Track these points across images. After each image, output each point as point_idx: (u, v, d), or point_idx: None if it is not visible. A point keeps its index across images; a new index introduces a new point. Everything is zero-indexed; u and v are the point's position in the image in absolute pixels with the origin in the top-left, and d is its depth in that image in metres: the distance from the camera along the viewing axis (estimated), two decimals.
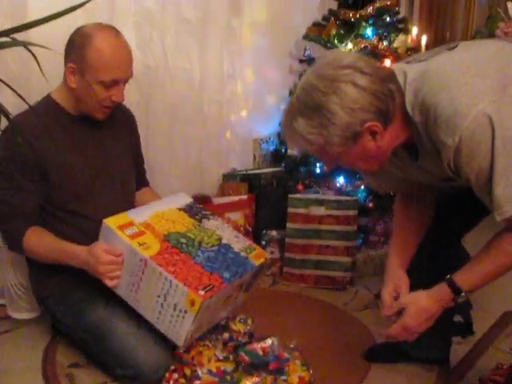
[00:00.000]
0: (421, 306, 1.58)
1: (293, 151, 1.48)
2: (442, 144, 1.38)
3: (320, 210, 2.71)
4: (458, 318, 2.37)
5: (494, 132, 1.32)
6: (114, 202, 2.03)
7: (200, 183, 2.90)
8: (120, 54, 1.87)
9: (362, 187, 2.91)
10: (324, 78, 1.36)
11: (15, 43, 1.40)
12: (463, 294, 1.53)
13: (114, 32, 1.85)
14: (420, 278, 1.67)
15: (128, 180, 2.14)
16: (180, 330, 1.70)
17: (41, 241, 1.91)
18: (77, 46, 1.85)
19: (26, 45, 1.34)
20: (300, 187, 2.89)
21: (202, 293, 1.66)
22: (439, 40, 5.39)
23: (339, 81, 1.35)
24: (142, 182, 2.30)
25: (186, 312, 1.68)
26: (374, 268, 2.98)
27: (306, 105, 1.38)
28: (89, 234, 1.91)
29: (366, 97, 1.35)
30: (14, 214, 1.91)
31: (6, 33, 1.34)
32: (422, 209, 1.78)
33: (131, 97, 2.50)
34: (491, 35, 5.28)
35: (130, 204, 2.11)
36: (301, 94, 1.40)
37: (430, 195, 1.80)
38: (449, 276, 1.54)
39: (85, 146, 1.99)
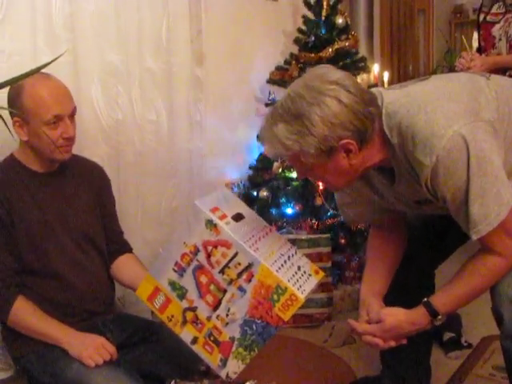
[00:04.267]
0: (397, 320, 1.60)
1: (268, 154, 1.50)
2: (420, 164, 1.43)
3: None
4: (449, 335, 2.41)
5: (469, 152, 1.38)
6: (81, 261, 2.03)
7: (173, 230, 2.89)
8: (53, 90, 1.89)
9: (334, 224, 2.94)
10: (311, 89, 1.41)
11: None
12: (440, 316, 1.56)
13: (43, 74, 1.85)
14: (394, 305, 1.68)
15: (92, 234, 2.10)
16: None
17: (29, 317, 1.90)
18: (13, 100, 1.88)
19: None
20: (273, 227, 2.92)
21: None
22: (402, 75, 5.53)
23: (325, 94, 1.39)
24: (120, 245, 2.24)
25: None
26: (351, 303, 3.00)
27: (288, 111, 1.42)
28: (60, 291, 1.94)
29: (347, 114, 1.39)
30: (3, 274, 1.88)
31: None
32: (395, 238, 1.82)
33: (101, 150, 2.55)
34: (451, 68, 5.45)
35: (101, 264, 2.12)
36: (286, 101, 1.44)
37: (403, 225, 1.84)
38: (426, 299, 1.58)
39: (46, 202, 1.98)
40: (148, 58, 2.74)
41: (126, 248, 2.26)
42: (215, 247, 1.66)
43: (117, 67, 2.58)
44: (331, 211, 2.91)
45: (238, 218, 1.74)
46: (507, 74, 2.78)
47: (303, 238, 2.79)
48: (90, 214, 2.11)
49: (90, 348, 1.85)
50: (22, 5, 2.24)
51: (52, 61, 1.44)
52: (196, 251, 1.69)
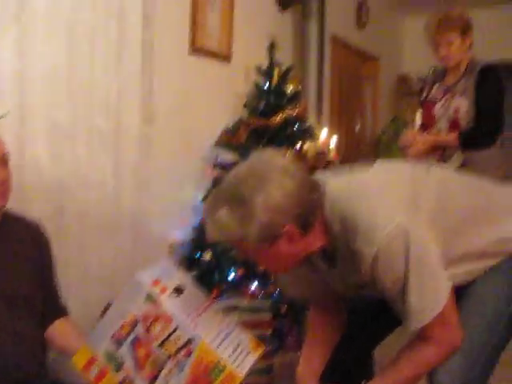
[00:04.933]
0: None
1: (210, 238, 1.48)
2: (360, 253, 1.43)
3: (233, 317, 2.71)
4: None
5: (409, 245, 1.40)
6: (10, 324, 1.95)
7: (114, 291, 2.83)
8: None
9: (276, 291, 2.93)
10: (255, 174, 1.40)
11: None
12: None
13: None
14: None
15: (27, 296, 2.02)
16: None
17: None
18: None
19: None
20: (214, 293, 2.89)
21: None
22: (349, 141, 5.66)
23: (269, 181, 1.38)
24: (55, 309, 2.16)
25: None
26: (290, 371, 2.96)
27: (231, 196, 1.41)
28: None
29: (290, 202, 1.38)
30: None
31: None
32: (334, 319, 1.82)
33: (43, 208, 2.49)
34: (396, 134, 5.60)
35: (35, 328, 2.04)
36: (229, 186, 1.44)
37: (343, 306, 1.83)
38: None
39: None
40: (97, 117, 2.72)
41: (62, 312, 2.19)
42: (155, 320, 1.64)
43: (64, 125, 2.55)
44: (273, 278, 2.90)
45: (179, 291, 1.72)
46: (446, 152, 2.88)
47: (244, 304, 2.76)
48: (26, 276, 2.04)
49: None
50: None
51: None
52: (135, 323, 1.66)
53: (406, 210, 1.44)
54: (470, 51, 2.95)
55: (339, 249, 1.52)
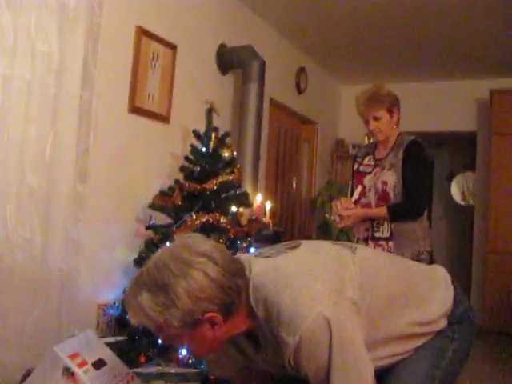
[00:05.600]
0: None
1: (131, 322, 1.44)
2: (283, 341, 1.43)
3: None
4: None
5: (331, 334, 1.40)
6: None
7: (37, 355, 2.72)
8: None
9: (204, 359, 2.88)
10: (178, 259, 1.39)
11: None
12: None
13: None
14: None
15: None
16: None
17: None
18: None
19: None
20: (142, 359, 2.82)
21: None
22: (284, 203, 5.72)
23: (192, 267, 1.38)
24: None
25: None
26: None
27: (154, 281, 1.39)
28: None
29: (213, 288, 1.38)
30: None
31: None
32: None
33: None
34: (331, 197, 5.71)
35: None
36: (151, 270, 1.41)
37: (268, 381, 1.82)
38: None
39: None
40: (28, 174, 2.67)
41: None
42: None
43: None
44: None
45: (99, 364, 1.68)
46: (375, 222, 2.95)
47: (172, 371, 2.70)
48: None
49: None
50: None
51: None
52: None
53: (330, 296, 1.45)
54: (397, 126, 3.06)
55: (263, 333, 1.51)
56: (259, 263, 1.55)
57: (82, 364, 1.62)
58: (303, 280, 1.47)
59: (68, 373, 1.58)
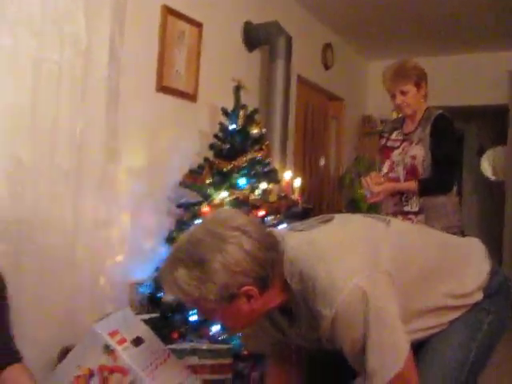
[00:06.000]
0: None
1: (167, 298, 1.46)
2: (319, 314, 1.43)
3: (194, 360, 2.67)
4: None
5: (367, 305, 1.40)
6: None
7: (72, 333, 2.77)
8: None
9: (237, 335, 2.90)
10: (212, 235, 1.40)
11: None
12: None
13: None
14: None
15: None
16: None
17: None
18: None
19: None
20: (175, 335, 2.85)
21: None
22: (313, 181, 5.70)
23: (227, 241, 1.38)
24: (9, 355, 2.12)
25: None
26: None
27: (189, 257, 1.40)
28: None
29: (249, 262, 1.38)
30: None
31: None
32: (293, 370, 1.81)
33: (0, 247, 2.44)
34: (359, 174, 5.68)
35: None
36: (187, 245, 1.43)
37: (302, 358, 1.83)
38: None
39: None
40: (60, 156, 2.70)
41: (15, 358, 2.13)
42: (111, 373, 1.61)
43: (26, 163, 2.53)
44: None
45: (137, 342, 1.70)
46: (404, 197, 2.93)
47: (204, 347, 2.73)
48: None
49: None
50: None
51: None
52: (91, 375, 1.63)
53: (365, 268, 1.45)
54: (425, 100, 3.03)
55: (298, 307, 1.52)
56: (293, 237, 1.55)
57: (122, 341, 1.65)
58: (338, 253, 1.47)
59: (108, 350, 1.61)
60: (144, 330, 1.80)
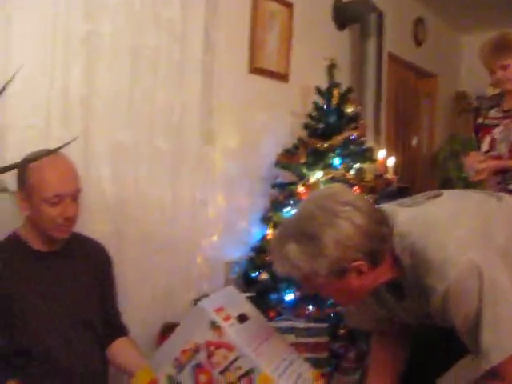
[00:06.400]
0: None
1: (277, 273, 1.47)
2: (431, 289, 1.41)
3: (291, 339, 2.70)
4: None
5: (482, 281, 1.37)
6: (77, 345, 1.99)
7: (172, 310, 2.86)
8: (58, 169, 1.90)
9: (333, 313, 2.91)
10: (324, 209, 1.40)
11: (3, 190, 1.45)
12: None
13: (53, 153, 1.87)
14: None
15: (91, 318, 2.06)
16: None
17: None
18: (20, 174, 1.90)
19: (9, 192, 1.38)
20: (272, 314, 2.89)
21: None
22: (406, 160, 5.59)
23: (338, 216, 1.38)
24: (116, 328, 2.20)
25: None
26: None
27: (301, 231, 1.40)
28: (54, 375, 1.90)
29: (360, 236, 1.38)
30: None
31: None
32: (398, 349, 1.80)
33: (104, 228, 2.53)
34: (452, 153, 5.52)
35: (97, 349, 2.08)
36: (297, 220, 1.43)
37: (407, 335, 1.81)
38: None
39: (47, 283, 1.95)
40: (158, 137, 2.76)
41: (122, 331, 2.22)
42: (217, 348, 1.64)
43: (126, 146, 2.60)
44: (331, 300, 2.88)
45: (242, 319, 1.72)
46: (507, 175, 2.83)
47: (301, 326, 2.74)
48: (90, 297, 2.08)
49: None
50: (41, 83, 2.28)
51: (64, 145, 1.46)
52: (197, 349, 1.67)
53: (478, 243, 1.42)
54: None
55: (408, 282, 1.50)
56: (402, 212, 1.53)
57: (227, 318, 1.67)
58: (450, 227, 1.44)
59: (214, 326, 1.64)
60: (248, 307, 1.83)
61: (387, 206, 1.58)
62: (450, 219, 1.48)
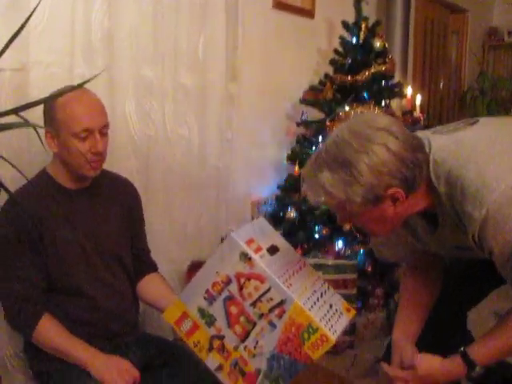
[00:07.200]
0: (431, 369, 1.56)
1: (311, 201, 1.44)
2: (468, 216, 1.38)
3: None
4: None
5: None
6: (109, 280, 2.01)
7: (199, 248, 2.88)
8: (86, 103, 1.88)
9: (361, 251, 2.90)
10: (358, 135, 1.36)
11: (26, 125, 1.43)
12: (477, 368, 1.50)
13: (79, 88, 1.80)
14: (427, 350, 1.62)
15: (121, 254, 2.07)
16: None
17: (54, 335, 1.88)
18: (47, 111, 1.88)
19: (34, 126, 1.37)
20: (299, 252, 2.89)
21: None
22: (432, 98, 5.48)
23: (373, 142, 1.34)
24: (146, 264, 2.22)
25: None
26: (373, 331, 2.95)
27: (334, 159, 1.37)
28: (87, 310, 1.93)
29: (395, 162, 1.34)
30: (30, 292, 1.86)
31: (12, 112, 1.36)
32: (430, 281, 1.77)
33: (131, 165, 2.53)
34: (482, 91, 5.39)
35: (128, 284, 2.10)
36: (331, 147, 1.39)
37: (439, 267, 1.79)
38: (462, 348, 1.52)
39: (77, 220, 1.95)
40: (183, 74, 2.72)
41: (152, 267, 2.24)
42: (248, 280, 1.64)
43: (151, 82, 2.57)
44: (359, 237, 2.87)
45: (272, 250, 1.71)
46: None
47: (330, 263, 2.75)
48: (120, 234, 2.09)
49: (113, 371, 1.82)
50: (63, 18, 2.24)
51: (89, 80, 1.43)
52: (228, 281, 1.67)
53: None
54: None
55: (443, 211, 1.46)
56: (438, 139, 1.48)
57: (258, 250, 1.66)
58: (489, 152, 1.40)
59: (245, 258, 1.63)
60: (278, 239, 1.81)
61: (422, 133, 1.53)
62: (488, 144, 1.43)
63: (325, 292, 1.73)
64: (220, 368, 1.74)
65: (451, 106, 5.93)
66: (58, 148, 1.90)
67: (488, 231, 1.36)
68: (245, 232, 1.71)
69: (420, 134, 1.52)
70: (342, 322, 1.69)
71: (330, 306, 1.70)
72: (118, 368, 1.84)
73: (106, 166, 2.11)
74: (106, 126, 1.94)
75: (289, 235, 2.99)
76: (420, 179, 1.39)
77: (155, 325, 2.54)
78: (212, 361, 1.75)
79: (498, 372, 2.23)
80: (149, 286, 2.18)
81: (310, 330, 1.60)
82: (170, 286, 2.20)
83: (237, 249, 1.64)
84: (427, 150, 1.44)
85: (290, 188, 3.14)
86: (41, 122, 1.88)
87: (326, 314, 1.65)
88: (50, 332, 1.88)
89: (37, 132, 1.36)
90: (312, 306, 1.63)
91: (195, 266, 2.18)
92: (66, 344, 1.88)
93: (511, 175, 1.34)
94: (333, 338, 1.59)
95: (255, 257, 1.63)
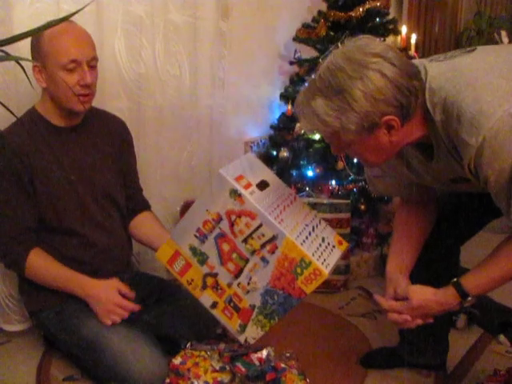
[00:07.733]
0: (425, 300, 1.57)
1: (304, 130, 1.41)
2: (464, 143, 1.36)
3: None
4: None
5: None
6: (100, 219, 2.01)
7: (191, 188, 2.87)
8: (73, 34, 1.85)
9: (354, 190, 2.89)
10: (353, 61, 1.32)
11: (7, 58, 1.39)
12: (470, 298, 1.51)
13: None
14: (420, 282, 1.64)
15: (113, 192, 2.08)
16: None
17: (44, 265, 1.90)
18: (34, 45, 1.86)
19: (17, 59, 1.32)
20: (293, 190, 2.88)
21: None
22: (427, 38, 5.39)
23: (368, 67, 1.31)
24: (138, 202, 2.22)
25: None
26: (367, 270, 2.97)
27: (328, 85, 1.34)
28: (79, 249, 1.93)
29: (390, 89, 1.31)
30: (17, 230, 1.88)
31: None
32: (423, 215, 1.77)
33: (122, 104, 2.50)
34: (478, 32, 5.30)
35: (120, 222, 2.09)
36: (325, 74, 1.36)
37: (433, 201, 1.78)
38: (456, 279, 1.53)
39: (68, 158, 1.95)
40: (173, 10, 2.65)
41: (144, 206, 2.24)
42: (239, 217, 1.63)
43: (141, 19, 2.50)
44: (352, 176, 2.85)
45: (262, 186, 1.70)
46: None
47: (324, 202, 2.74)
48: (111, 172, 2.07)
49: (108, 304, 1.84)
50: None
51: (76, 12, 1.38)
52: (219, 219, 1.66)
53: None
54: None
55: (439, 140, 1.44)
56: (435, 66, 1.44)
57: (248, 186, 1.65)
58: (486, 78, 1.36)
59: (235, 195, 1.62)
60: (268, 174, 1.80)
61: (418, 61, 1.50)
62: (486, 71, 1.39)
63: (316, 226, 1.73)
64: (215, 305, 1.76)
65: (447, 47, 5.84)
66: (46, 83, 1.87)
67: (484, 158, 1.34)
68: (234, 168, 1.69)
69: (416, 61, 1.49)
70: (335, 255, 1.69)
71: (323, 240, 1.70)
72: (112, 286, 1.89)
73: (96, 106, 2.08)
74: (95, 58, 1.90)
75: (281, 175, 2.97)
76: (416, 107, 1.37)
77: (150, 266, 2.56)
78: (206, 298, 1.76)
79: (497, 316, 2.28)
80: (141, 225, 2.18)
81: (303, 264, 1.60)
82: (162, 225, 2.20)
83: (226, 186, 1.62)
84: (423, 78, 1.41)
85: (282, 127, 3.11)
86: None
87: (318, 248, 1.66)
88: (41, 264, 1.91)
89: (21, 66, 1.32)
90: (304, 241, 1.63)
91: (188, 207, 2.16)
92: (58, 273, 1.89)
93: (509, 100, 1.31)
94: (326, 271, 1.59)
95: (245, 193, 1.62)
